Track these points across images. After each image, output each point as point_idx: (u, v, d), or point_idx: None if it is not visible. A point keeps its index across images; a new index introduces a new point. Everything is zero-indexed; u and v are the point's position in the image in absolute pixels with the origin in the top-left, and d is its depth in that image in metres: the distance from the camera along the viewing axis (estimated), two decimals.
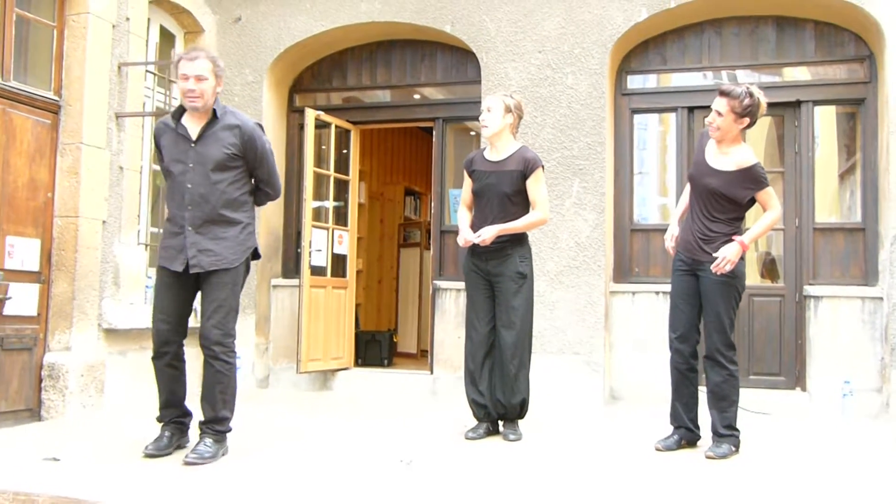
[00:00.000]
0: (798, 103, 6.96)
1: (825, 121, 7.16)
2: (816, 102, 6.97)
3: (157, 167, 4.80)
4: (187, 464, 4.31)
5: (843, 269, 6.82)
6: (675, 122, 7.26)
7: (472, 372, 5.24)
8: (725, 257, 4.64)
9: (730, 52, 7.16)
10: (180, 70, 4.49)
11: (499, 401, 5.18)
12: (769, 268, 7.29)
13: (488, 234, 5.06)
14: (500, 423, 5.29)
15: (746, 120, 4.70)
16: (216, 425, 4.56)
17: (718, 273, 4.67)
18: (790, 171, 7.01)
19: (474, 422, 5.29)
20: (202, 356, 4.57)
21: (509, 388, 5.13)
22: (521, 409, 5.22)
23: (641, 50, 7.36)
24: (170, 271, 4.55)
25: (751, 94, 4.65)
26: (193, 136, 4.53)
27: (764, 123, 7.46)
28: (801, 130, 6.95)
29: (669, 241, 5.09)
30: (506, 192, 5.13)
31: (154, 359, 4.59)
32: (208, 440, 4.49)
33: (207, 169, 4.49)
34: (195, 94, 4.45)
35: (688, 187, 5.04)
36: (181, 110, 4.57)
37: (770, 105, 6.95)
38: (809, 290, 6.76)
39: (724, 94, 4.68)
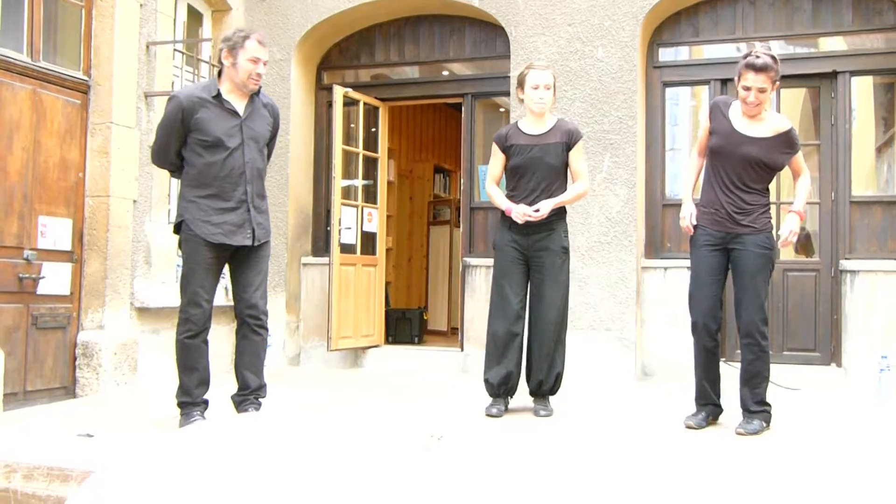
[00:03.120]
0: (834, 74, 6.82)
1: (862, 92, 7.01)
2: (853, 73, 6.83)
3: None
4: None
5: (880, 243, 6.70)
6: (707, 95, 7.14)
7: (499, 347, 5.14)
8: (791, 230, 4.68)
9: (764, 23, 7.01)
10: (252, 52, 4.55)
11: (536, 377, 5.13)
12: (804, 242, 7.18)
13: (547, 207, 4.98)
14: (532, 398, 5.25)
15: (777, 83, 4.67)
16: (261, 393, 4.75)
17: (784, 246, 4.78)
18: (826, 143, 6.88)
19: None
20: (238, 328, 4.73)
21: (548, 364, 5.08)
22: (555, 385, 5.18)
23: (673, 21, 7.24)
24: (215, 248, 4.55)
25: (775, 59, 4.60)
26: (241, 112, 4.61)
27: (799, 95, 7.33)
28: (837, 102, 6.81)
29: (689, 219, 4.88)
30: (552, 163, 5.07)
31: (191, 338, 4.57)
32: (256, 409, 4.68)
33: (260, 145, 4.70)
34: (260, 79, 4.62)
35: (692, 164, 4.98)
36: (216, 86, 4.59)
37: (806, 76, 6.97)
38: (845, 264, 6.65)
39: (760, 69, 4.51)
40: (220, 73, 4.65)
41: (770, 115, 4.73)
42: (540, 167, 5.08)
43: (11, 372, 5.34)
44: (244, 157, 4.58)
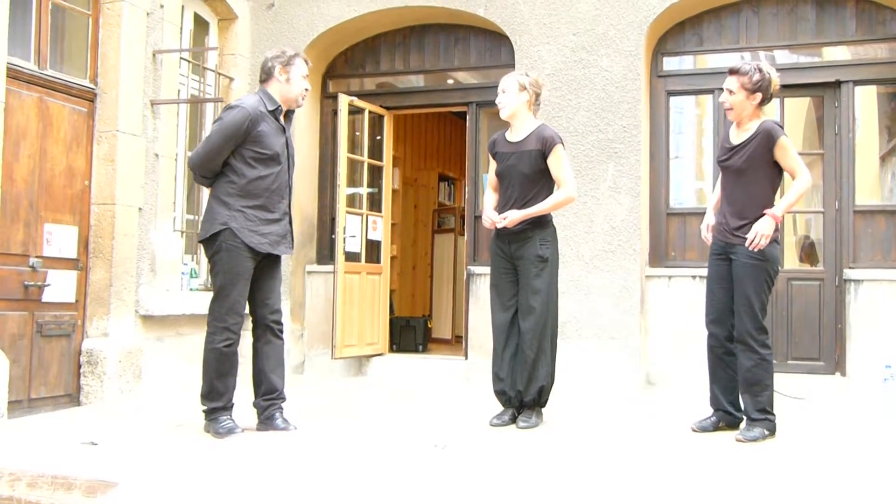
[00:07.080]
0: (838, 83, 6.82)
1: (866, 101, 7.01)
2: (857, 82, 6.83)
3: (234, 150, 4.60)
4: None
5: (884, 253, 6.69)
6: (711, 104, 7.16)
7: (495, 358, 5.16)
8: (758, 232, 4.62)
9: (768, 32, 7.02)
10: (303, 69, 4.74)
11: (517, 387, 5.05)
12: (808, 252, 7.18)
13: (512, 216, 4.95)
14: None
15: (759, 95, 4.71)
16: (284, 397, 4.81)
17: (755, 249, 4.64)
18: (830, 152, 6.88)
19: (502, 407, 5.23)
20: (259, 334, 4.79)
21: (527, 375, 4.99)
22: (539, 397, 5.05)
23: (677, 31, 7.25)
24: (255, 257, 4.60)
25: (760, 70, 4.70)
26: (285, 127, 4.74)
27: (803, 105, 7.34)
28: (841, 111, 6.81)
29: (705, 231, 5.07)
30: (525, 172, 5.01)
31: (230, 346, 4.59)
32: (281, 413, 4.76)
33: (294, 160, 4.87)
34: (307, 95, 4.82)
35: (721, 175, 5.03)
36: (274, 100, 4.67)
37: (809, 86, 6.98)
38: (849, 273, 6.65)
39: (733, 72, 4.76)
40: (264, 88, 4.72)
41: (757, 122, 4.77)
42: (514, 175, 5.04)
43: (16, 380, 5.35)
44: (288, 171, 4.75)
